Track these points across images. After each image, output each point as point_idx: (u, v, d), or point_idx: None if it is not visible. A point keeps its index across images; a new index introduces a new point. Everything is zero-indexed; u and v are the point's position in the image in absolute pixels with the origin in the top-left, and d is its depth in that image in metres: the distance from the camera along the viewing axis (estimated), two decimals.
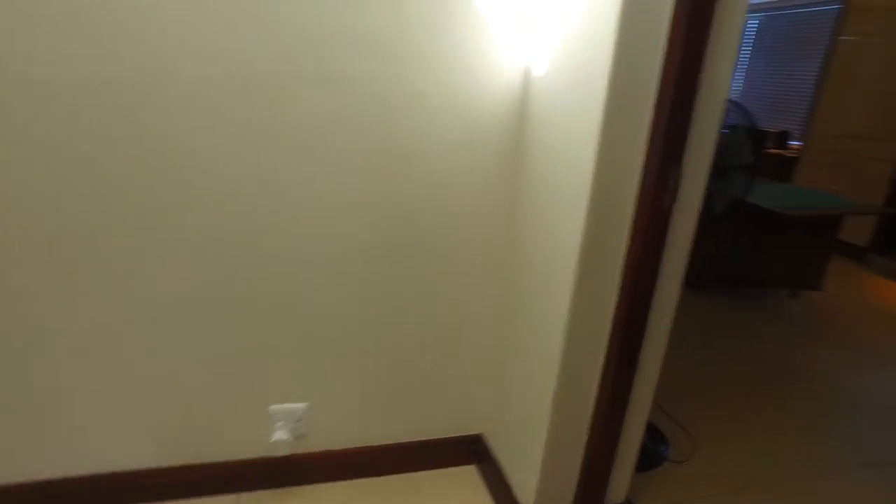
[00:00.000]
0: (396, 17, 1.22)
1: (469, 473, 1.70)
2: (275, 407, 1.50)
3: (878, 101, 4.22)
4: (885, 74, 4.17)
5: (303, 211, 1.33)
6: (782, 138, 5.14)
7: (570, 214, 1.19)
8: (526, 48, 1.32)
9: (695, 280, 3.30)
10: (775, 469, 1.86)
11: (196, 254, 1.30)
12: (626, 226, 1.18)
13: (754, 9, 5.47)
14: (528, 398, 1.42)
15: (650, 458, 1.78)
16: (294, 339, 1.45)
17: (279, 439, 1.51)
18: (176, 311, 1.34)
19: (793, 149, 5.03)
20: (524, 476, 1.45)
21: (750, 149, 1.62)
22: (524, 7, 1.28)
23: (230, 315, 1.38)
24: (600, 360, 1.31)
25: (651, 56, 1.06)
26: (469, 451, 1.72)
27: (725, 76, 1.12)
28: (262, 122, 1.23)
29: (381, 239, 1.41)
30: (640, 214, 1.15)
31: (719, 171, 1.65)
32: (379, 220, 1.39)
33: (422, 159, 1.36)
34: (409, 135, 1.33)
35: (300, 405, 1.53)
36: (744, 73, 5.73)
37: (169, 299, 1.33)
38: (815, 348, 2.81)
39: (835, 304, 3.43)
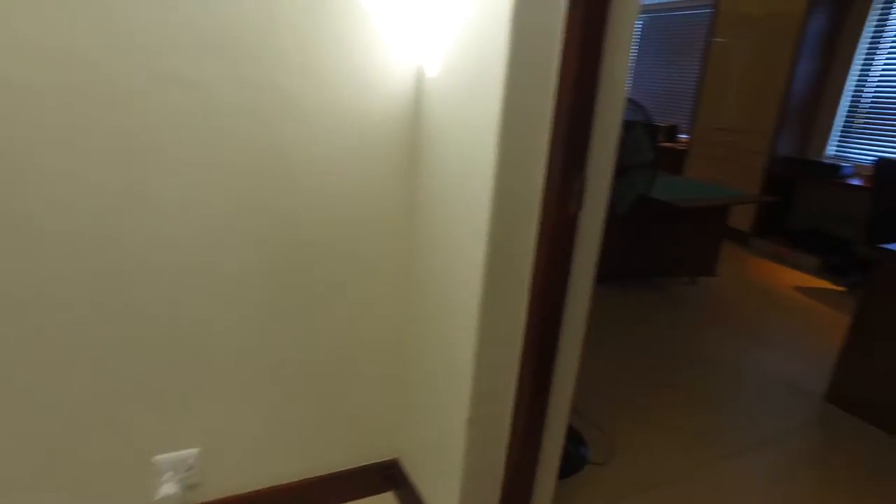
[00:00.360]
0: (269, 15, 1.10)
1: (386, 502, 1.59)
2: (160, 457, 1.32)
3: (748, 97, 4.58)
4: (752, 73, 4.52)
5: (176, 225, 1.16)
6: (672, 132, 5.46)
7: (473, 218, 1.13)
8: (417, 48, 1.25)
9: (601, 275, 3.39)
10: (687, 459, 1.91)
11: (50, 275, 1.10)
12: (532, 231, 1.13)
13: (640, 10, 5.77)
14: (442, 416, 1.34)
15: (572, 463, 1.76)
16: (177, 373, 1.27)
17: (167, 494, 1.32)
18: (31, 345, 1.12)
19: (682, 142, 5.35)
20: (443, 499, 1.37)
21: (649, 145, 1.64)
22: (412, 4, 1.20)
23: (98, 349, 1.18)
24: (514, 371, 1.25)
25: (548, 54, 1.01)
26: (385, 477, 1.61)
27: (623, 73, 1.10)
28: (115, 126, 1.06)
29: (267, 252, 1.27)
30: (546, 222, 1.10)
31: (621, 170, 1.66)
32: (261, 231, 1.25)
33: (306, 164, 1.24)
34: (290, 138, 1.21)
35: (190, 451, 1.35)
36: (632, 71, 6.03)
37: (22, 328, 1.10)
38: (711, 333, 2.96)
39: (727, 287, 3.66)
